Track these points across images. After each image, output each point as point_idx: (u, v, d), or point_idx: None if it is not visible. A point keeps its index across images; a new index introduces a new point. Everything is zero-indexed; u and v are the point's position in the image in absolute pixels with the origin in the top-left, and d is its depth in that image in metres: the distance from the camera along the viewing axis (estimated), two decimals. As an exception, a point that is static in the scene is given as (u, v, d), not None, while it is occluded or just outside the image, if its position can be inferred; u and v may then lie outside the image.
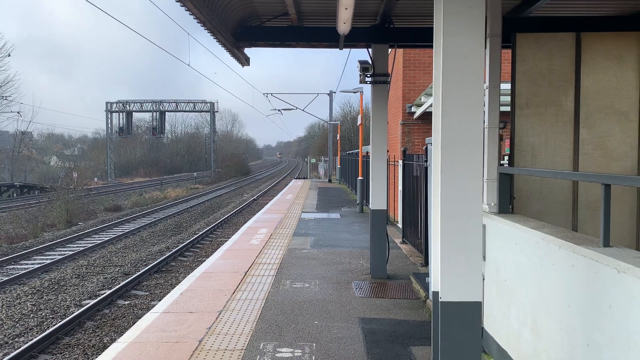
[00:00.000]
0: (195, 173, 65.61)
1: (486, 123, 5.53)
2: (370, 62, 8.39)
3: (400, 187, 13.29)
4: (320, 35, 8.13)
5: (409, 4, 7.25)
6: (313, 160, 63.88)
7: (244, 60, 8.66)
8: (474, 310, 3.40)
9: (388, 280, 8.56)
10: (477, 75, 3.40)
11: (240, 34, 7.93)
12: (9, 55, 45.92)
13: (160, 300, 7.60)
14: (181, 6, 5.59)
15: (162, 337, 5.84)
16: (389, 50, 9.23)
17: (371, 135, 8.72)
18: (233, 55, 8.21)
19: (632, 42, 5.71)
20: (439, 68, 3.44)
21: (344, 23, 6.45)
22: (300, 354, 5.37)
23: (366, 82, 8.50)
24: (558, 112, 5.76)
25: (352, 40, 8.07)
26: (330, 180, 41.52)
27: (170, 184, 51.71)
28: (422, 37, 7.87)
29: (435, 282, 3.50)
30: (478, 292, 3.40)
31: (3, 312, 9.70)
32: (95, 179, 58.15)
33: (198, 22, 6.39)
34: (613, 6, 6.50)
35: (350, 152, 34.22)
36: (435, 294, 3.47)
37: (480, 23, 3.36)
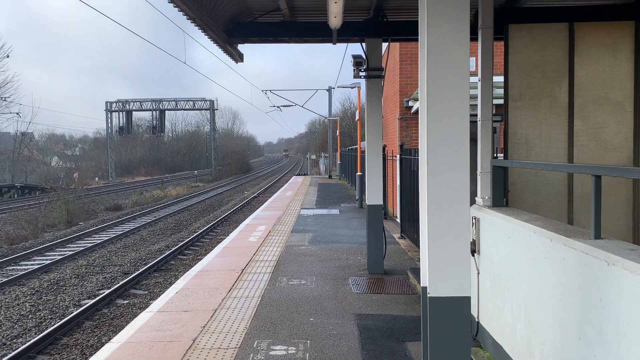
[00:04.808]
0: (196, 171, 65.52)
1: (479, 116, 5.48)
2: (364, 56, 8.33)
3: (398, 182, 13.24)
4: (314, 30, 8.05)
5: (402, -4, 7.18)
6: (313, 157, 63.83)
7: (237, 57, 8.61)
8: (463, 305, 3.34)
9: (385, 276, 8.52)
10: (463, 67, 3.34)
11: (232, 30, 7.87)
12: (8, 57, 45.81)
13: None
14: (169, 2, 5.53)
15: (156, 336, 5.81)
16: (384, 44, 9.16)
17: (366, 129, 8.67)
18: (226, 51, 8.16)
19: (626, 32, 5.64)
20: (424, 60, 3.39)
21: (334, 17, 6.40)
22: (294, 351, 5.34)
23: (360, 77, 8.44)
24: (552, 103, 5.70)
25: (346, 34, 8.00)
26: (330, 176, 41.46)
27: (171, 183, 51.72)
28: (416, 31, 7.77)
29: (424, 277, 3.45)
30: (467, 287, 3.35)
31: (1, 313, 9.68)
32: (97, 178, 58.21)
33: (188, 19, 6.33)
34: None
35: (350, 147, 34.18)
36: (424, 289, 3.42)
37: (465, 14, 3.30)
